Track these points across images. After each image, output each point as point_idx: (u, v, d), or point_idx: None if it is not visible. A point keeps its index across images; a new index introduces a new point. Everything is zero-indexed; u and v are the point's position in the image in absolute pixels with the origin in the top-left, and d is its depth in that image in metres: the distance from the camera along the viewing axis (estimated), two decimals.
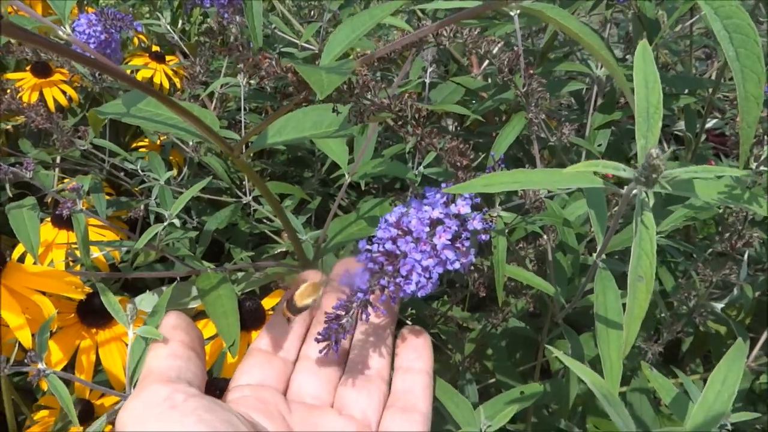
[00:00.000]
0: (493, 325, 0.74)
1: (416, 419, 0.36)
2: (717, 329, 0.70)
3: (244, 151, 0.43)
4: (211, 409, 0.29)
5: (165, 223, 0.48)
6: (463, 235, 0.36)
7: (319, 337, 0.33)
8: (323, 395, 0.36)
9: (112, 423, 0.52)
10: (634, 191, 0.26)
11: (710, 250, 0.58)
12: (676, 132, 0.82)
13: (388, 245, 0.34)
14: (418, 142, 0.40)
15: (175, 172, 0.94)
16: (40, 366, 0.38)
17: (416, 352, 0.38)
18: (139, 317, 0.40)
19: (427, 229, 0.35)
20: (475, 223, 0.37)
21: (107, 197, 0.80)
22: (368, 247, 0.35)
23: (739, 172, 0.25)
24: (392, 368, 0.38)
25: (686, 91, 0.70)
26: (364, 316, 0.33)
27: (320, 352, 0.33)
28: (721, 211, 0.51)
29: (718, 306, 0.54)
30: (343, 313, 0.33)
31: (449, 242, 0.35)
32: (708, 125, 0.73)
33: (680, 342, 0.73)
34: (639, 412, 0.55)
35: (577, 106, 0.92)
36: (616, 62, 0.30)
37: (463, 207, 0.37)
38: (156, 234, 0.47)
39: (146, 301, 0.60)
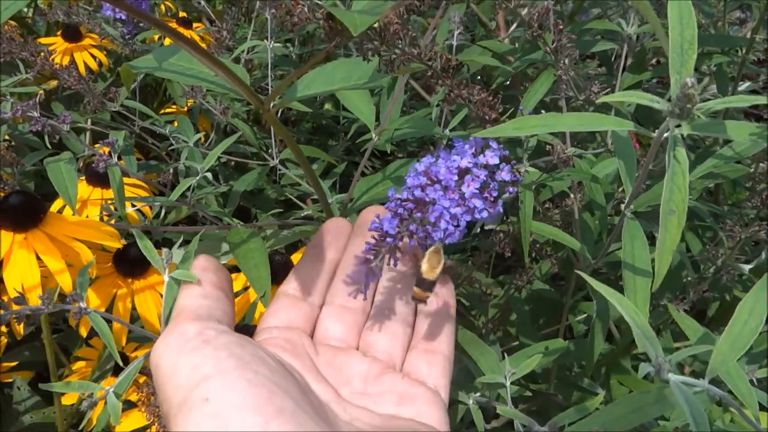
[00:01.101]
0: (517, 288, 0.74)
1: (439, 360, 0.36)
2: (742, 297, 0.70)
3: (274, 105, 0.44)
4: (241, 345, 0.30)
5: (197, 177, 0.49)
6: (491, 186, 0.36)
7: (348, 280, 0.34)
8: (348, 338, 0.37)
9: (151, 380, 0.54)
10: (666, 134, 0.26)
11: (740, 214, 0.58)
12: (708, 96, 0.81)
13: (417, 192, 0.34)
14: (447, 94, 0.40)
15: (202, 137, 0.95)
16: (81, 304, 0.39)
17: (439, 296, 0.39)
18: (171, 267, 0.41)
19: (456, 178, 0.35)
20: (504, 174, 0.37)
21: (137, 161, 0.81)
22: (397, 195, 0.36)
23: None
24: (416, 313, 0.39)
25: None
26: (392, 262, 0.34)
27: (349, 295, 0.34)
28: (752, 170, 0.50)
29: (746, 268, 0.54)
30: (372, 257, 0.33)
31: (477, 191, 0.35)
32: (740, 89, 0.71)
33: (706, 310, 0.73)
34: None
35: (606, 72, 0.91)
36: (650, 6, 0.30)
37: (491, 158, 0.37)
38: (189, 187, 0.48)
39: (177, 255, 0.61)
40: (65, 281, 0.42)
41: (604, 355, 0.62)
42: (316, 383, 0.33)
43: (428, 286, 0.34)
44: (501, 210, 0.38)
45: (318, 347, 0.36)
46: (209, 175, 0.52)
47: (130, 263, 0.52)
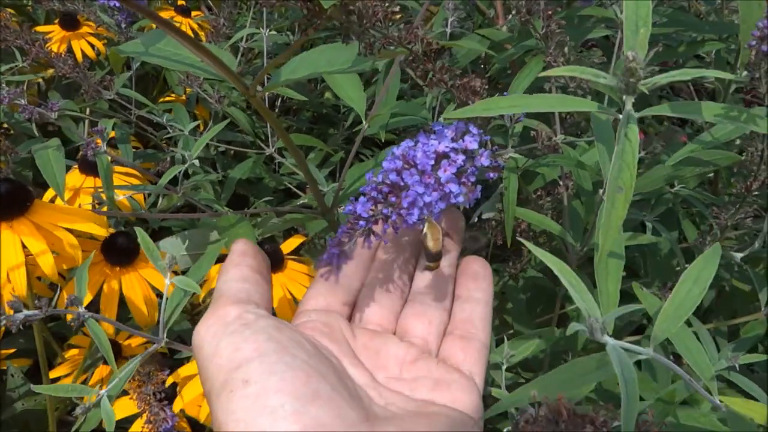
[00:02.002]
0: (511, 276, 0.74)
1: (475, 346, 0.36)
2: (741, 287, 0.69)
3: (260, 90, 0.44)
4: (279, 329, 0.31)
5: (186, 165, 0.49)
6: (469, 170, 0.36)
7: (322, 262, 0.34)
8: (385, 323, 0.37)
9: (142, 368, 0.54)
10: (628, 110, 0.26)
11: (737, 206, 0.57)
12: (707, 84, 0.80)
13: (393, 176, 0.34)
14: (429, 79, 0.40)
15: (201, 125, 0.95)
16: (80, 310, 0.40)
17: (476, 281, 0.38)
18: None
19: (432, 162, 0.35)
20: (483, 160, 0.37)
21: (134, 149, 0.82)
22: (374, 179, 0.35)
23: (723, 75, 0.24)
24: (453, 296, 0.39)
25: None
26: (366, 244, 0.34)
27: (321, 276, 0.34)
28: (744, 158, 0.50)
29: (738, 256, 0.53)
30: (346, 240, 0.33)
31: (453, 176, 0.35)
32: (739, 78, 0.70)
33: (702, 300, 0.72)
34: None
35: (608, 60, 0.90)
36: None
37: (470, 143, 0.37)
38: (178, 174, 0.48)
39: (169, 244, 0.62)
40: (46, 263, 0.42)
41: (593, 342, 0.62)
42: (352, 367, 0.33)
43: (436, 257, 0.36)
44: (479, 195, 0.38)
45: (355, 330, 0.36)
46: (197, 162, 0.52)
47: (118, 252, 0.52)
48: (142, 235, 0.37)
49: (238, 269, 0.35)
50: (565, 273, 0.25)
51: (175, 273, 0.45)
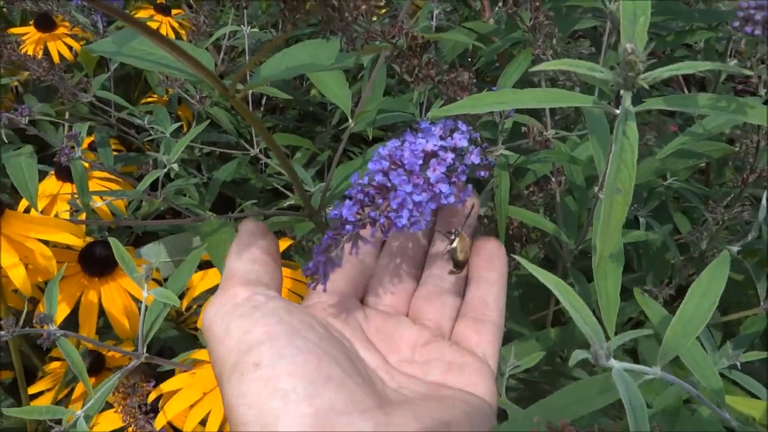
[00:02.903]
0: None
1: (488, 329, 0.35)
2: (733, 277, 0.68)
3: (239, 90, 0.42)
4: (290, 311, 0.30)
5: (165, 169, 0.48)
6: (459, 169, 0.35)
7: (308, 271, 0.32)
8: (398, 305, 0.37)
9: (127, 380, 0.52)
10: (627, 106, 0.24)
11: (731, 196, 0.56)
12: (697, 73, 0.79)
13: (379, 177, 0.33)
14: (415, 74, 0.39)
15: (185, 126, 0.93)
16: (51, 328, 0.38)
17: (490, 262, 0.37)
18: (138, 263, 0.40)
19: (420, 162, 0.34)
20: (473, 158, 0.36)
21: (116, 153, 0.80)
22: (360, 181, 0.34)
23: (725, 67, 0.23)
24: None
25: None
26: (354, 250, 0.32)
27: (309, 285, 0.33)
28: (737, 149, 0.49)
29: (734, 249, 0.52)
30: (332, 246, 0.32)
31: (443, 175, 0.34)
32: (730, 64, 0.69)
33: None
34: (649, 359, 0.54)
35: (597, 51, 0.89)
36: None
37: (459, 140, 0.35)
38: (158, 180, 0.47)
39: (152, 250, 0.60)
40: (18, 276, 0.40)
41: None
42: (364, 350, 0.33)
43: (462, 265, 0.36)
44: (471, 194, 0.36)
45: (367, 312, 0.35)
46: (175, 166, 0.50)
47: (96, 262, 0.50)
48: (116, 245, 0.36)
49: (246, 249, 0.34)
50: (567, 296, 0.24)
51: (156, 281, 0.43)
